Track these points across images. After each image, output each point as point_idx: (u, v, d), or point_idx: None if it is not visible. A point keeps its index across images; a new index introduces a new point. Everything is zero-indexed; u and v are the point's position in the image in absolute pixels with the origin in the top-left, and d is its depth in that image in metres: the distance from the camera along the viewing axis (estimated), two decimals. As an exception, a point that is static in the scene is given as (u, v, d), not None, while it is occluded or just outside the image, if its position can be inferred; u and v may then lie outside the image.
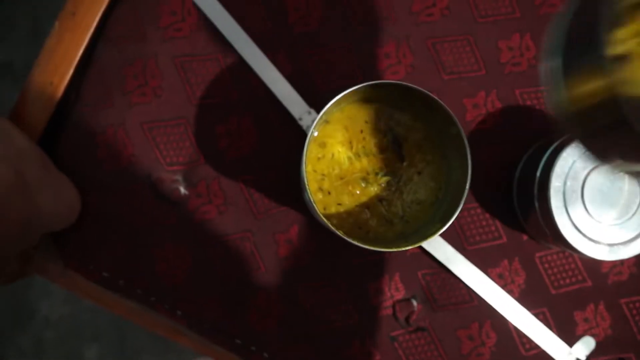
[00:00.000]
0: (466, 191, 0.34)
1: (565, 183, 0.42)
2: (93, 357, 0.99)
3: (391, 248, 0.33)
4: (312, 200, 0.31)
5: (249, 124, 0.46)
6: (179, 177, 0.46)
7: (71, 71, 0.44)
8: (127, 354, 0.99)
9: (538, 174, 0.43)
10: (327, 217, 0.38)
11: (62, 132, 0.46)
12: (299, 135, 0.46)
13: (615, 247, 0.42)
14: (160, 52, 0.46)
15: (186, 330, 0.48)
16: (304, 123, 0.46)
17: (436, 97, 0.35)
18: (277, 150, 0.46)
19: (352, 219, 0.39)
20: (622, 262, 0.49)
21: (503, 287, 0.48)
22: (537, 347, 0.48)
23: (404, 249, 0.34)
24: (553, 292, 0.49)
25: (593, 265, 0.49)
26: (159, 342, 0.98)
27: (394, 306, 0.47)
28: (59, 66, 0.44)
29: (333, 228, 0.32)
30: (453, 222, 0.47)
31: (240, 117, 0.46)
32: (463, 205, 0.48)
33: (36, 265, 0.48)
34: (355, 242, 0.32)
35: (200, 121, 0.46)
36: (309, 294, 0.47)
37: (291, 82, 0.46)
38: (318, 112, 0.45)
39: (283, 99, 0.46)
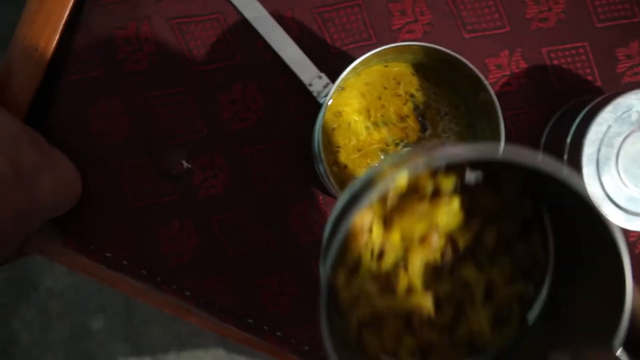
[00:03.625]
0: None
1: (599, 150, 0.39)
2: (100, 328, 0.99)
3: None
4: (328, 174, 0.28)
5: (254, 91, 0.43)
6: (181, 151, 0.43)
7: (58, 34, 0.40)
8: (135, 324, 0.98)
9: (569, 139, 0.40)
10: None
11: (52, 104, 0.43)
12: (309, 102, 0.43)
13: (650, 217, 0.39)
14: (154, 13, 0.42)
15: (195, 309, 0.46)
16: (314, 89, 0.42)
17: (464, 59, 0.32)
18: (286, 119, 0.43)
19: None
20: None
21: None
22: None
23: None
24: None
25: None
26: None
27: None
28: (43, 29, 0.40)
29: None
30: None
31: (245, 84, 0.42)
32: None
33: (34, 245, 0.46)
34: None
35: (201, 89, 0.42)
36: (322, 270, 0.44)
37: (299, 45, 0.42)
38: (329, 76, 0.42)
39: (291, 63, 0.42)
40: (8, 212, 0.35)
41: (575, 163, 0.39)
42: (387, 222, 0.24)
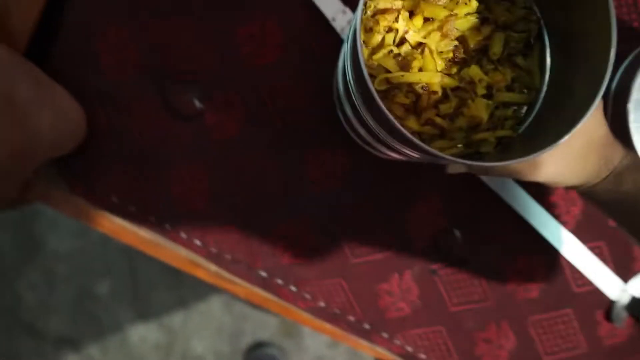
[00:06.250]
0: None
1: (649, 95, 0.35)
2: (105, 292, 0.97)
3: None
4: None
5: (274, 26, 0.40)
6: (193, 88, 0.40)
7: (63, -42, 0.37)
8: (140, 288, 0.97)
9: (614, 85, 0.37)
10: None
11: (55, 37, 0.40)
12: (332, 39, 0.40)
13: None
14: (167, -64, 0.38)
15: (204, 261, 0.44)
16: (337, 24, 0.39)
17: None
18: (307, 58, 0.40)
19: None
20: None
21: (557, 217, 0.43)
22: (589, 283, 0.44)
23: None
24: (612, 224, 0.43)
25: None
26: (172, 277, 0.96)
27: (435, 237, 0.42)
28: (47, -49, 0.37)
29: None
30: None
31: (264, 19, 0.39)
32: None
33: (37, 191, 0.44)
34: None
35: (217, 22, 0.39)
36: (342, 222, 0.42)
37: (323, -24, 0.39)
38: (354, 10, 0.39)
39: (314, -4, 0.39)
40: (4, 146, 0.33)
41: (621, 110, 0.36)
42: (411, 14, 0.30)
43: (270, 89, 0.40)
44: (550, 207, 0.43)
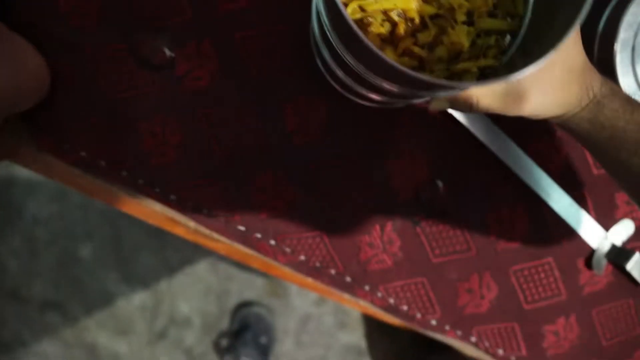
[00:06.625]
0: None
1: (636, 35, 0.34)
2: (88, 255, 0.96)
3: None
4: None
5: (245, -34, 0.37)
6: (162, 36, 0.38)
7: None
8: (123, 251, 0.96)
9: (601, 25, 0.36)
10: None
11: (12, -22, 0.37)
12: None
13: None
14: None
15: (182, 218, 0.42)
16: (314, -36, 0.36)
17: None
18: (282, 2, 0.38)
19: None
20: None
21: (541, 165, 0.42)
22: (570, 231, 0.44)
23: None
24: (595, 172, 0.43)
25: (644, 141, 0.43)
26: (155, 239, 0.95)
27: (417, 188, 0.42)
28: None
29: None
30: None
31: (234, -42, 0.37)
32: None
33: (3, 148, 0.42)
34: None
35: (184, -37, 0.37)
36: (321, 174, 0.41)
37: None
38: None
39: None
40: None
41: (607, 51, 0.35)
42: None
43: (244, 36, 0.38)
44: (534, 155, 0.42)
